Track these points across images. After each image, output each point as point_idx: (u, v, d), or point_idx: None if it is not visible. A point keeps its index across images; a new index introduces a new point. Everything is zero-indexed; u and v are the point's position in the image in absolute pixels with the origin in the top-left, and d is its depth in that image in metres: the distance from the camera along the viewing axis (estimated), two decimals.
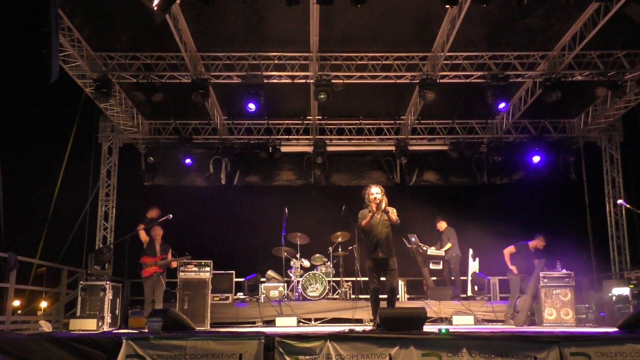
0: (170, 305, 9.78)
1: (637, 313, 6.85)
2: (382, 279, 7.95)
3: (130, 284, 12.08)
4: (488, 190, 14.16)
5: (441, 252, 11.93)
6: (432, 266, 11.97)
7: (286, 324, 10.14)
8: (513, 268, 10.40)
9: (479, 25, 9.83)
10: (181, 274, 10.08)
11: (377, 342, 5.83)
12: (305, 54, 10.68)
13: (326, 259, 12.06)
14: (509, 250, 10.44)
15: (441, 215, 12.37)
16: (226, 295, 11.56)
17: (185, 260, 9.89)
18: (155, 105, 11.81)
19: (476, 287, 11.92)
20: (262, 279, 11.95)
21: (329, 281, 11.63)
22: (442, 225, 12.23)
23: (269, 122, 13.58)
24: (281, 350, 5.76)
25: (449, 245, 11.91)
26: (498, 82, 10.55)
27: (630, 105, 12.13)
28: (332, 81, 10.71)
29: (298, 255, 11.95)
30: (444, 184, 14.28)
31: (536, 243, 10.43)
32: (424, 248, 11.88)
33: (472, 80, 10.94)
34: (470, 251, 12.37)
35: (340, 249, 12.05)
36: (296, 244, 12.05)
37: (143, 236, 10.12)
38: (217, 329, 8.96)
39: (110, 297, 9.95)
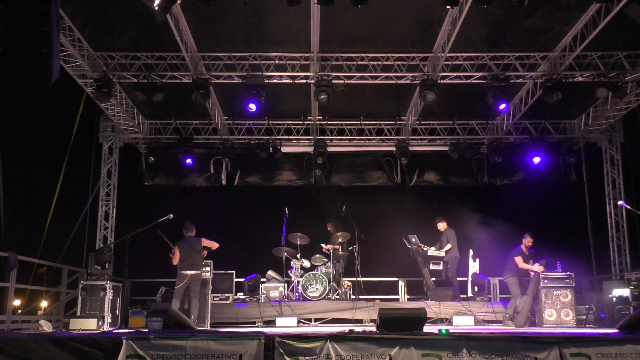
0: (170, 305, 9.77)
1: (638, 314, 6.86)
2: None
3: (131, 284, 12.10)
4: (488, 191, 14.16)
5: (441, 253, 11.93)
6: (432, 267, 11.95)
7: (286, 324, 10.14)
8: (535, 267, 10.35)
9: (480, 26, 9.83)
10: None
11: (377, 342, 5.84)
12: (306, 54, 10.68)
13: (326, 259, 12.05)
14: (520, 259, 10.39)
15: (442, 215, 12.37)
16: (226, 295, 11.57)
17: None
18: (155, 105, 11.82)
19: (476, 288, 11.92)
20: (263, 279, 11.95)
21: (329, 281, 11.63)
22: (442, 225, 12.22)
23: (270, 122, 13.57)
24: (281, 351, 5.76)
25: (448, 246, 11.90)
26: (499, 82, 10.55)
27: (631, 106, 12.11)
28: (333, 81, 10.71)
29: (298, 256, 11.94)
30: (445, 185, 14.27)
31: (525, 243, 10.51)
32: (424, 249, 11.88)
33: (473, 81, 10.94)
34: (471, 252, 12.36)
35: (340, 249, 12.04)
36: (296, 244, 12.04)
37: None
38: (217, 329, 8.95)
39: (111, 297, 9.96)
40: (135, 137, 13.62)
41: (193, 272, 9.72)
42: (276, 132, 13.66)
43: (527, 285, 10.43)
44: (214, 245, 10.19)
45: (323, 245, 12.45)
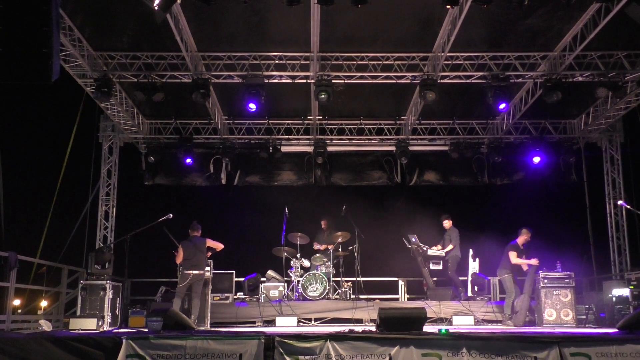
0: (170, 304, 9.77)
1: (638, 314, 6.86)
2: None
3: (131, 284, 12.10)
4: (488, 190, 14.16)
5: (441, 253, 11.92)
6: (432, 266, 11.95)
7: (286, 324, 10.14)
8: (532, 261, 10.35)
9: (480, 26, 9.83)
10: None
11: (377, 342, 5.84)
12: (306, 54, 10.68)
13: (326, 259, 12.05)
14: (514, 254, 10.39)
15: (448, 214, 12.33)
16: (226, 295, 11.56)
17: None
18: (155, 105, 11.82)
19: (476, 288, 11.91)
20: (262, 279, 11.95)
21: (328, 281, 11.62)
22: (447, 223, 12.17)
23: (270, 122, 13.57)
24: (281, 350, 5.76)
25: (450, 246, 11.89)
26: (499, 82, 10.55)
27: (631, 106, 12.12)
28: (333, 81, 10.71)
29: (298, 255, 11.94)
30: (445, 184, 14.27)
31: (524, 238, 10.48)
32: (424, 248, 11.87)
33: (473, 81, 10.94)
34: (471, 251, 12.35)
35: (340, 249, 12.05)
36: (296, 244, 12.04)
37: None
38: (217, 329, 8.95)
39: (111, 297, 9.96)
40: (135, 136, 13.62)
41: (196, 272, 9.68)
42: (276, 132, 13.66)
43: (520, 283, 10.45)
44: (219, 246, 10.17)
45: (318, 245, 12.42)
